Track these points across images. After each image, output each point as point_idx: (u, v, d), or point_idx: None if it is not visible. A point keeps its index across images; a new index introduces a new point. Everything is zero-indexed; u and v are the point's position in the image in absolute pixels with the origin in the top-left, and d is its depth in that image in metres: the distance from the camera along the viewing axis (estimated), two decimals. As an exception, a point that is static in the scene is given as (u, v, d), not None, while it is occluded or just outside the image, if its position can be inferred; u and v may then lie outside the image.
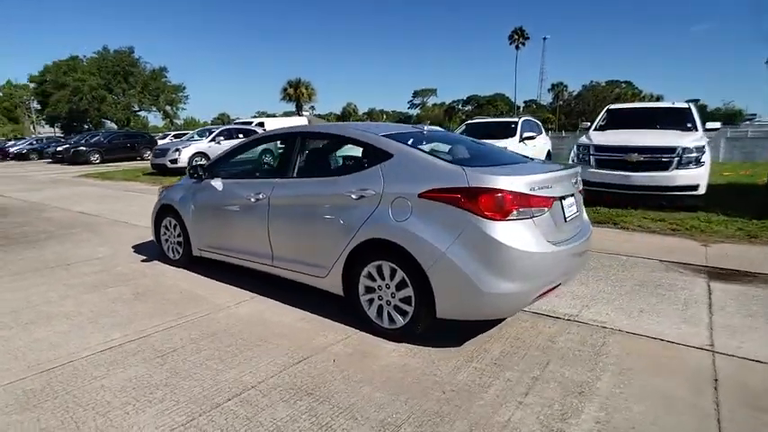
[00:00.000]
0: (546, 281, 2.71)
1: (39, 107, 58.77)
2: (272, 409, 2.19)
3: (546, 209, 2.71)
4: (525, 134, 9.71)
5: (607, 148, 7.22)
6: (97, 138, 24.17)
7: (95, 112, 50.83)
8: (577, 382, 2.42)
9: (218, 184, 4.03)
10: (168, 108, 55.60)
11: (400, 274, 2.81)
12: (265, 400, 2.27)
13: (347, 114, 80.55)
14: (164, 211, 4.68)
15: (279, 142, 3.79)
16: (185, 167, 13.30)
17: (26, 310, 3.45)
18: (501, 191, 2.54)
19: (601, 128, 8.27)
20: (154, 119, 62.56)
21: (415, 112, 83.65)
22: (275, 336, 3.01)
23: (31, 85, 57.99)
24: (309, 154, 3.62)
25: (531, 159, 3.67)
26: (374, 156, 3.09)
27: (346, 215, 3.03)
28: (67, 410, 2.18)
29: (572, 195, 3.08)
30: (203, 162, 11.48)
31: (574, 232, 3.02)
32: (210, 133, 15.60)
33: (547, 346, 2.83)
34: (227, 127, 17.04)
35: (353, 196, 3.01)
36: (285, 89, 54.16)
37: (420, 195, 2.72)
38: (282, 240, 3.51)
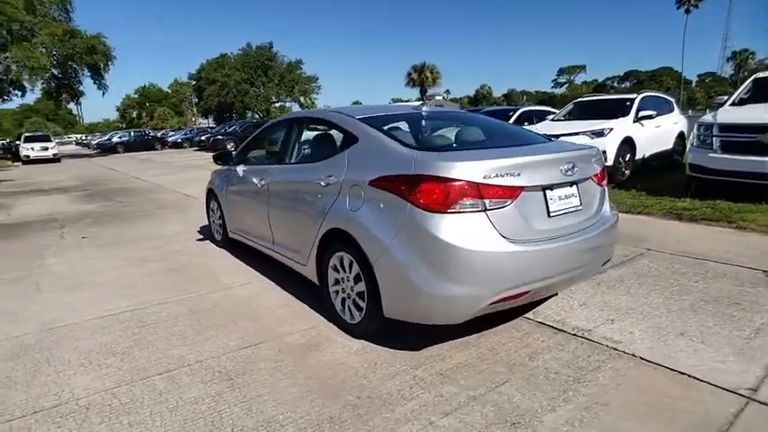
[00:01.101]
0: (505, 285, 2.32)
1: (196, 101, 69.71)
2: (187, 388, 2.32)
3: (509, 200, 2.31)
4: (643, 113, 8.31)
5: (735, 128, 5.79)
6: (233, 127, 27.74)
7: (240, 104, 58.30)
8: (522, 410, 2.05)
9: (240, 170, 4.33)
10: (302, 98, 61.04)
11: (356, 267, 2.69)
12: (188, 379, 2.41)
13: (480, 97, 78.48)
14: (209, 195, 5.21)
15: (283, 129, 3.89)
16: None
17: (74, 278, 4.19)
18: (442, 178, 2.24)
19: (741, 102, 6.67)
20: (295, 109, 69.17)
21: (560, 91, 77.48)
22: (247, 318, 3.15)
23: (193, 83, 69.04)
24: (300, 140, 3.65)
25: (550, 140, 3.15)
26: (345, 140, 2.99)
27: (318, 202, 2.99)
28: (36, 364, 2.61)
29: (569, 185, 2.57)
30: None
31: (568, 230, 2.52)
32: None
33: (519, 363, 2.44)
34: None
35: (322, 183, 2.96)
36: (409, 74, 54.94)
37: (370, 183, 2.55)
38: (277, 226, 3.63)
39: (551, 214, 2.47)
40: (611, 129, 7.69)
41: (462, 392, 2.20)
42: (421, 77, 52.29)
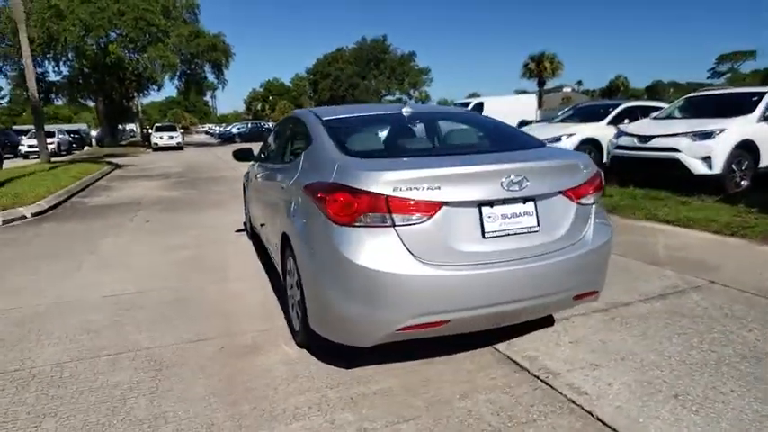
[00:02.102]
0: (416, 312, 2.12)
1: (312, 95, 74.74)
2: (119, 372, 2.54)
3: (424, 217, 2.09)
4: (772, 112, 6.86)
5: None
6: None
7: (350, 97, 61.14)
8: (406, 455, 1.86)
9: (254, 167, 4.57)
10: (412, 91, 61.94)
11: (297, 274, 2.68)
12: (126, 363, 2.63)
13: (614, 89, 71.96)
14: (243, 190, 5.58)
15: (280, 127, 4.02)
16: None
17: (110, 259, 4.81)
18: (349, 188, 2.12)
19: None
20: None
21: (719, 81, 67.32)
22: (220, 314, 3.32)
23: (310, 77, 74.12)
24: (289, 139, 3.71)
25: (542, 145, 2.77)
26: (305, 142, 2.98)
27: (281, 204, 3.04)
28: (28, 332, 3.07)
29: (521, 201, 2.24)
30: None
31: (513, 254, 2.21)
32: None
33: (443, 401, 2.21)
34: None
35: (283, 185, 3.01)
36: (526, 64, 52.25)
37: (303, 189, 2.52)
38: (264, 224, 3.78)
39: (487, 235, 2.18)
40: (723, 130, 6.49)
41: (356, 423, 2.06)
42: (539, 68, 49.32)
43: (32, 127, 19.96)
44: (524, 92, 51.47)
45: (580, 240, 2.38)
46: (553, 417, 2.07)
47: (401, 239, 2.07)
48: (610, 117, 9.23)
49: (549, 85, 55.57)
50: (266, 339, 2.90)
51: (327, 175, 2.31)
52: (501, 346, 2.71)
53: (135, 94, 29.71)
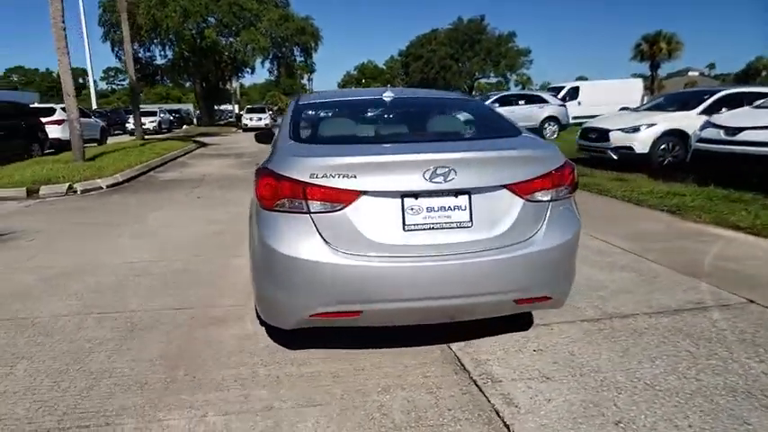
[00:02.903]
0: (329, 300, 2.15)
1: (404, 77, 74.99)
2: (99, 330, 2.88)
3: (340, 205, 2.09)
4: None
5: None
6: None
7: (442, 80, 60.38)
8: (296, 438, 1.92)
9: None
10: (509, 73, 59.58)
11: None
12: (109, 323, 2.97)
13: (752, 73, 63.23)
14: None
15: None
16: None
17: (149, 230, 5.38)
18: (273, 174, 2.19)
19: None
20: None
21: None
22: (212, 285, 3.60)
23: (402, 59, 74.35)
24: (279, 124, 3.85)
25: (519, 134, 2.59)
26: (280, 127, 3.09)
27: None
28: (52, 287, 3.59)
29: (452, 194, 2.14)
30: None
31: (436, 249, 2.13)
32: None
33: (360, 391, 2.22)
34: (505, 93, 17.21)
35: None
36: (638, 45, 47.60)
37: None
38: None
39: (407, 228, 2.12)
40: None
41: (267, 401, 2.16)
42: (652, 50, 44.63)
43: (149, 107, 22.40)
44: (643, 76, 46.89)
45: (528, 240, 2.21)
46: (464, 424, 1.99)
47: (316, 227, 2.10)
48: (704, 105, 8.12)
49: (669, 68, 50.16)
50: (236, 314, 3.10)
51: (268, 159, 2.40)
52: (457, 345, 2.64)
53: (230, 76, 32.16)
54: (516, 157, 2.24)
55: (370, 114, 3.13)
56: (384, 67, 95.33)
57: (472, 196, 2.16)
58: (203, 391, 2.24)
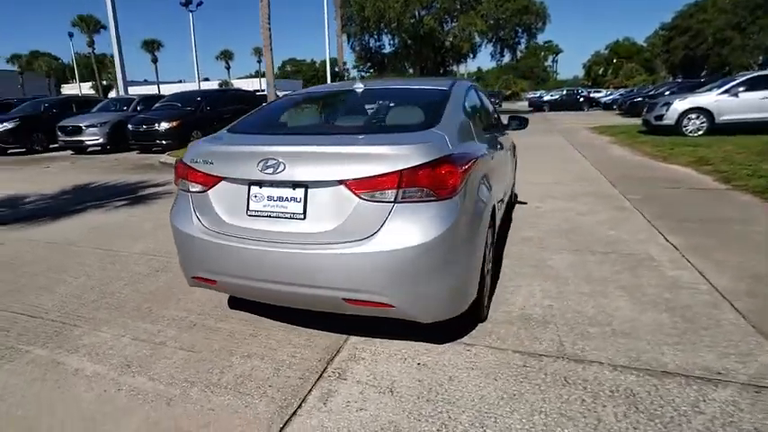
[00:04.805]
0: (198, 268, 2.53)
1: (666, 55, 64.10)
2: (112, 265, 3.87)
3: (205, 188, 2.44)
4: None
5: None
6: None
7: (715, 57, 49.58)
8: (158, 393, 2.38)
9: None
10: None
11: None
12: (122, 259, 3.94)
13: None
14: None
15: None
16: (672, 125, 12.40)
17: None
18: (180, 159, 2.64)
19: None
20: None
21: None
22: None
23: (664, 33, 63.64)
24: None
25: (422, 129, 2.39)
26: None
27: None
28: (133, 234, 4.84)
29: (290, 186, 2.24)
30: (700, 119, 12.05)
31: (269, 236, 2.26)
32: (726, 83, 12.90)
33: (252, 354, 2.52)
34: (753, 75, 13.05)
35: None
36: None
37: None
38: None
39: (249, 213, 2.32)
40: None
41: (168, 337, 2.67)
42: None
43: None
44: None
45: (363, 239, 2.10)
46: (258, 404, 2.11)
47: (192, 205, 2.51)
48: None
49: None
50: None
51: None
52: (357, 338, 2.63)
53: (450, 62, 33.26)
54: (355, 154, 2.16)
55: (321, 109, 3.32)
56: (644, 44, 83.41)
57: (309, 190, 2.20)
58: (97, 324, 2.91)
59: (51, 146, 13.08)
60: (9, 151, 13.58)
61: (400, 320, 2.33)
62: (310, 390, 2.19)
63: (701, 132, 12.00)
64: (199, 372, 2.36)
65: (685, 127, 12.07)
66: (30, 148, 13.31)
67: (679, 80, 32.63)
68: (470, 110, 3.04)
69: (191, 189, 2.51)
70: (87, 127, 12.24)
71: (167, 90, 37.28)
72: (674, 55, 52.06)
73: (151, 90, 44.84)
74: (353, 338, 2.64)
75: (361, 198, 2.10)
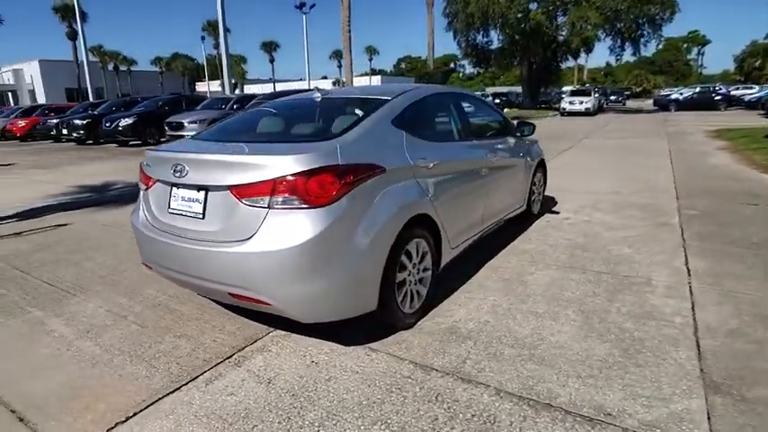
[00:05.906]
0: (143, 255, 2.96)
1: None
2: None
3: (147, 187, 2.86)
4: None
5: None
6: None
7: None
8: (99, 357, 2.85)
9: None
10: None
11: None
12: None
13: None
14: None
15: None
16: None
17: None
18: None
19: None
20: None
21: None
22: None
23: None
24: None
25: (320, 140, 2.60)
26: None
27: None
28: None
29: (196, 188, 2.54)
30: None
31: (178, 231, 2.61)
32: None
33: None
34: None
35: None
36: None
37: None
38: None
39: (169, 210, 2.67)
40: None
41: (113, 308, 3.14)
42: None
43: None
44: None
45: (244, 240, 2.33)
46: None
47: (142, 200, 2.95)
48: None
49: None
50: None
51: None
52: (282, 333, 2.85)
53: (561, 57, 31.26)
54: (240, 163, 2.43)
55: (270, 118, 3.50)
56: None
57: (209, 193, 2.50)
58: (117, 295, 3.43)
59: (161, 139, 15.02)
60: (130, 143, 16.00)
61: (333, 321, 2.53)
62: (204, 372, 2.47)
63: None
64: (134, 344, 2.76)
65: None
66: (145, 141, 15.46)
67: None
68: (413, 121, 3.04)
69: (141, 188, 2.96)
70: (189, 123, 13.90)
71: (282, 87, 40.78)
72: None
73: (267, 88, 49.01)
74: (277, 332, 2.86)
75: (242, 203, 2.35)
